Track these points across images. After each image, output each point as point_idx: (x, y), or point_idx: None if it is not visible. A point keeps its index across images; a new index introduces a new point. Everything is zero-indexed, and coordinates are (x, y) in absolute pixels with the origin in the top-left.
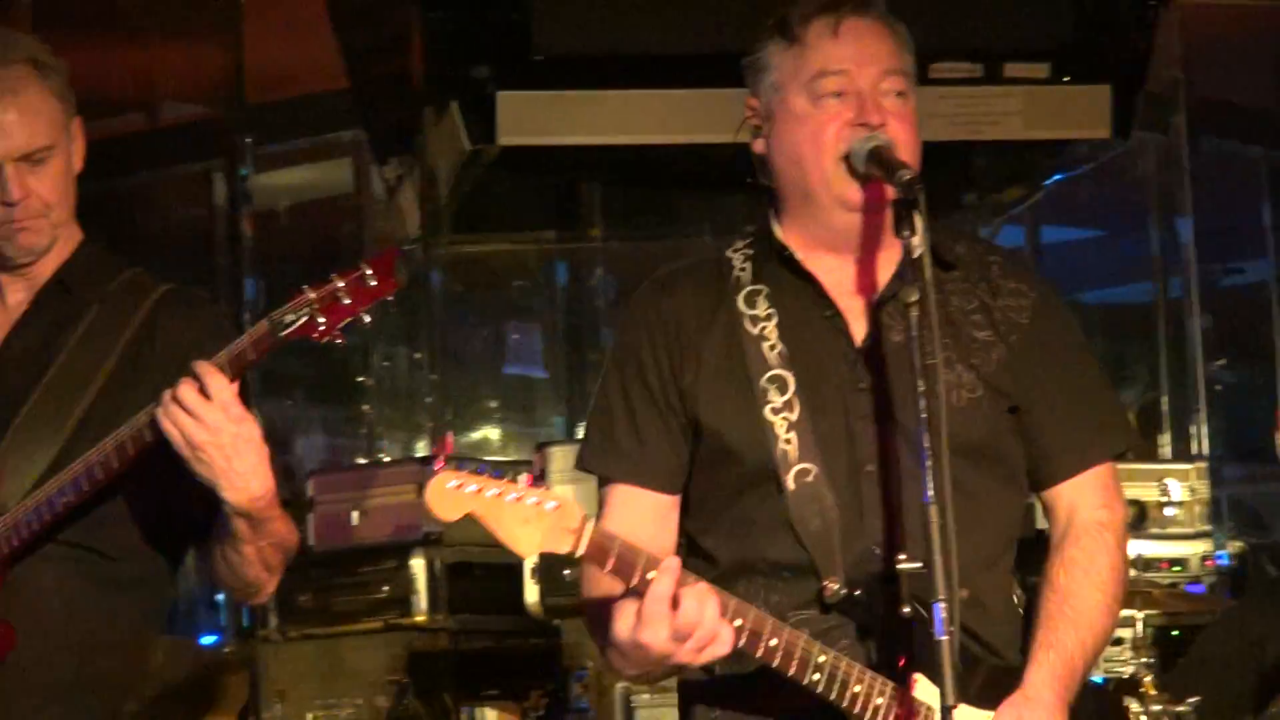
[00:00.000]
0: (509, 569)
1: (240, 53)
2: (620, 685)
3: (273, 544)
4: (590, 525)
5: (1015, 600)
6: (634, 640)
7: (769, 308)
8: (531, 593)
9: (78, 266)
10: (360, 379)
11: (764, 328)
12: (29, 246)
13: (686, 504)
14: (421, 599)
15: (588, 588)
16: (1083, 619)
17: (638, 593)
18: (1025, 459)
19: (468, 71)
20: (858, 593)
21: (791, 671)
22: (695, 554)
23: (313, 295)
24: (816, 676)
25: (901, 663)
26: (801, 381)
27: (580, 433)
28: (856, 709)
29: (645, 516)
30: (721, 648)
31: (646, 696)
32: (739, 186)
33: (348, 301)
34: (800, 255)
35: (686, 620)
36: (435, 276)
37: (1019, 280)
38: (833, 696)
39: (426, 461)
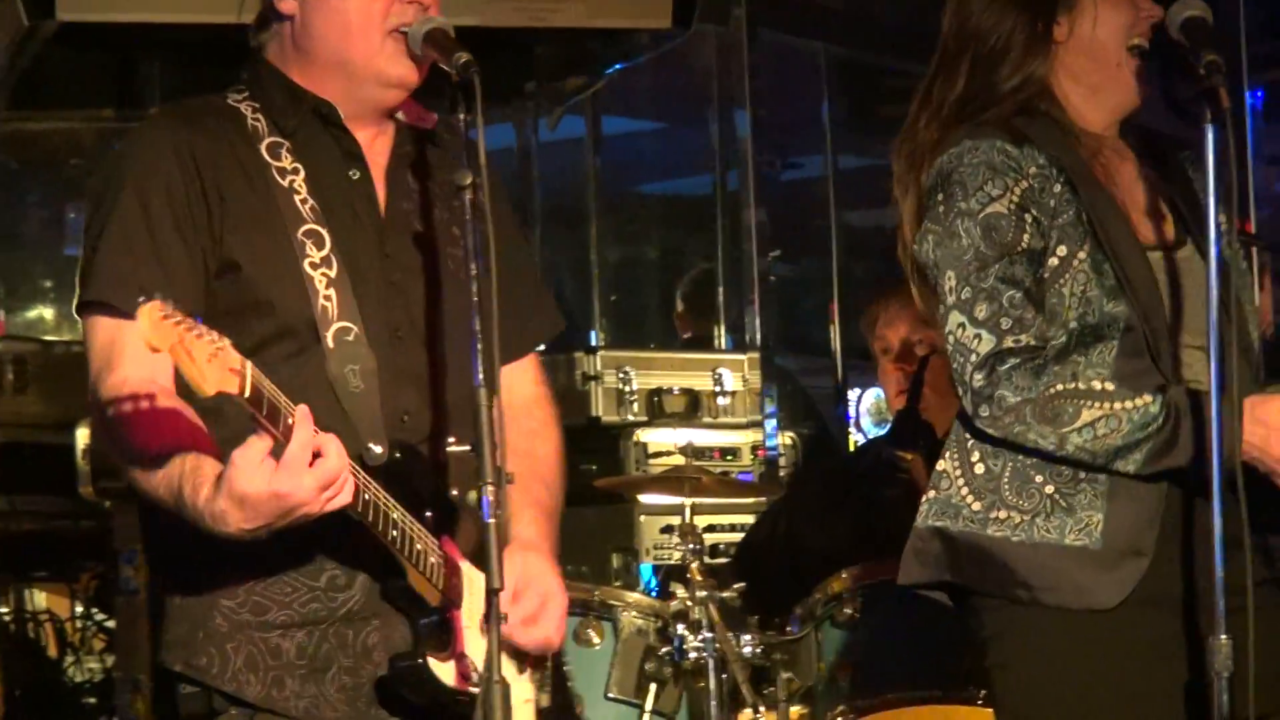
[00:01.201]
0: (59, 449)
1: None
2: None
3: None
4: (250, 368)
5: None
6: (270, 490)
7: (294, 161)
8: (83, 474)
9: None
10: None
11: (293, 180)
12: None
13: None
14: None
15: (146, 450)
16: (551, 477)
17: (279, 441)
18: None
19: None
20: (398, 456)
21: (379, 525)
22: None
23: None
24: (395, 533)
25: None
26: (336, 240)
27: None
28: (419, 565)
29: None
30: (346, 496)
31: None
32: None
33: None
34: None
35: (329, 469)
36: None
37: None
38: (405, 552)
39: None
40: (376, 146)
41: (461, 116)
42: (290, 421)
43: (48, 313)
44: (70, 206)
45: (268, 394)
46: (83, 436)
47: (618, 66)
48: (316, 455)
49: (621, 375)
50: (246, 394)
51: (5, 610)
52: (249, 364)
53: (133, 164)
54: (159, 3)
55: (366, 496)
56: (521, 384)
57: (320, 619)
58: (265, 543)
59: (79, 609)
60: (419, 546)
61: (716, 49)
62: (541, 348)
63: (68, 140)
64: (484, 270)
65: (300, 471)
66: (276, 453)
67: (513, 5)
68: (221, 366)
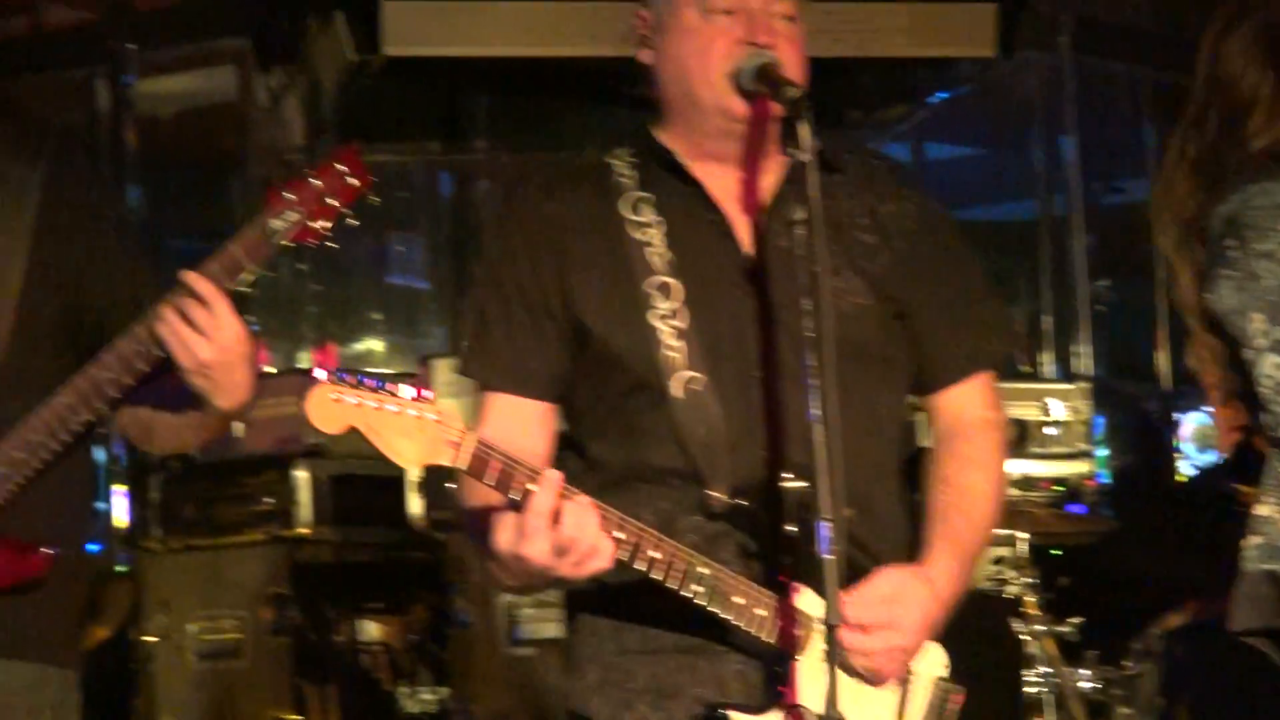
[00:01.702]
0: (393, 482)
1: None
2: (504, 598)
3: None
4: (470, 438)
5: (903, 509)
6: (514, 553)
7: (654, 214)
8: (415, 505)
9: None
10: (242, 289)
11: (650, 233)
12: None
13: (574, 410)
14: (304, 510)
15: (467, 498)
16: (976, 512)
17: (518, 505)
18: (911, 364)
19: None
20: (744, 503)
21: (672, 584)
22: (583, 460)
23: (294, 197)
24: (697, 589)
25: (782, 578)
26: (689, 288)
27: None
28: (737, 619)
29: (522, 424)
30: (601, 561)
31: (530, 610)
32: (623, 99)
33: (333, 201)
34: (685, 163)
35: (567, 534)
36: None
37: (904, 186)
38: (713, 608)
39: (309, 373)
40: (751, 186)
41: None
42: (530, 488)
43: (377, 345)
44: (395, 238)
45: (497, 463)
46: (415, 470)
47: (941, 95)
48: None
49: None
50: (465, 465)
51: (340, 640)
52: (471, 434)
53: (491, 250)
54: (485, 36)
55: (657, 555)
56: (968, 407)
57: (682, 648)
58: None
59: (411, 640)
60: (738, 600)
61: (1039, 75)
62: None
63: (395, 173)
64: (816, 304)
65: (538, 537)
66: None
67: (833, 35)
68: (434, 439)
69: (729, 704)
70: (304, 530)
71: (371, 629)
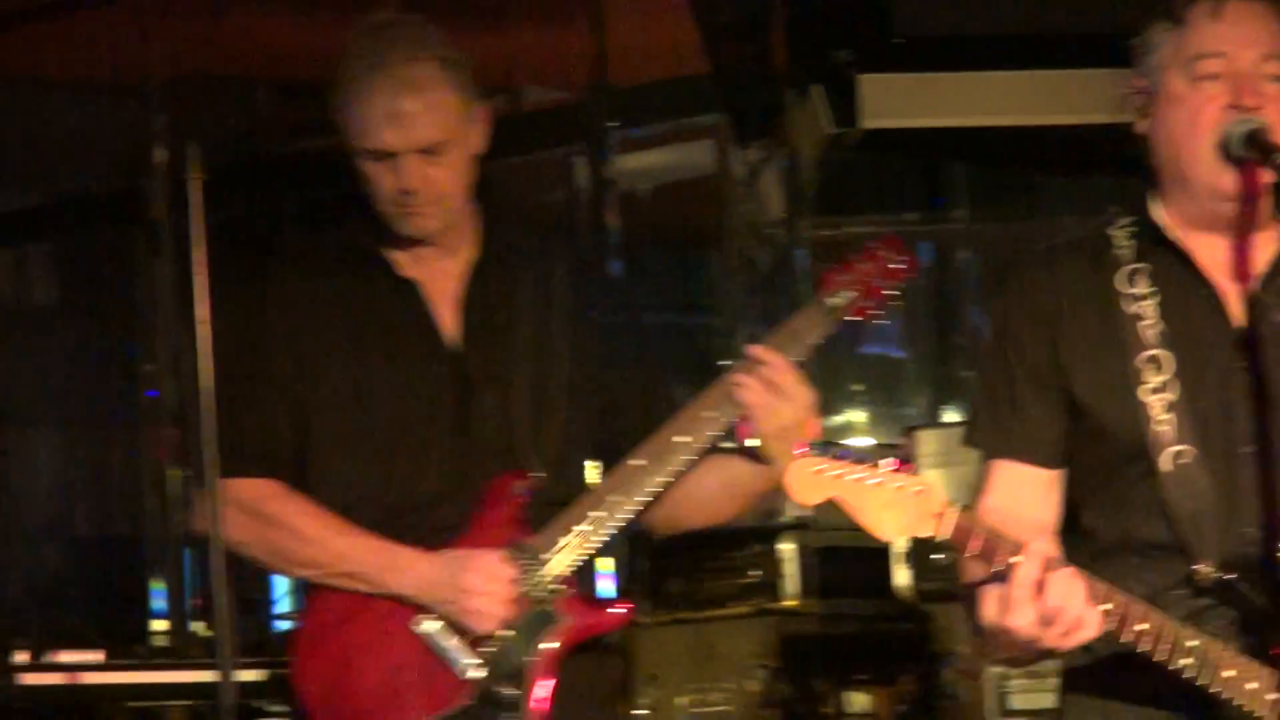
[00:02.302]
0: (878, 553)
1: (602, 36)
2: (993, 670)
3: None
4: (953, 510)
5: None
6: (1000, 625)
7: (1149, 287)
8: (902, 576)
9: (502, 238)
10: (724, 361)
11: (1143, 306)
12: (421, 229)
13: (1070, 478)
14: (791, 583)
15: (964, 571)
16: None
17: (1002, 577)
18: None
19: (829, 55)
20: (1231, 577)
21: (1160, 655)
22: (1075, 529)
23: (847, 278)
24: (1187, 661)
25: (1276, 650)
26: (1181, 361)
27: (945, 415)
28: (1228, 693)
29: (1025, 491)
30: (1088, 632)
31: (1022, 681)
32: (1105, 167)
33: (882, 282)
34: (1178, 234)
35: (1053, 604)
36: (799, 258)
37: None
38: (1203, 681)
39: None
40: (1243, 255)
41: None
42: (1014, 560)
43: (858, 416)
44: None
45: (982, 535)
46: (901, 540)
47: None
48: None
49: None
50: (946, 536)
51: (828, 712)
52: (954, 507)
53: (994, 322)
54: (962, 106)
55: (1142, 627)
56: None
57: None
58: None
59: (899, 711)
60: (1228, 673)
61: None
62: None
63: None
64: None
65: (1023, 608)
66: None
67: None
68: (919, 510)
69: None
70: (790, 602)
71: (859, 700)
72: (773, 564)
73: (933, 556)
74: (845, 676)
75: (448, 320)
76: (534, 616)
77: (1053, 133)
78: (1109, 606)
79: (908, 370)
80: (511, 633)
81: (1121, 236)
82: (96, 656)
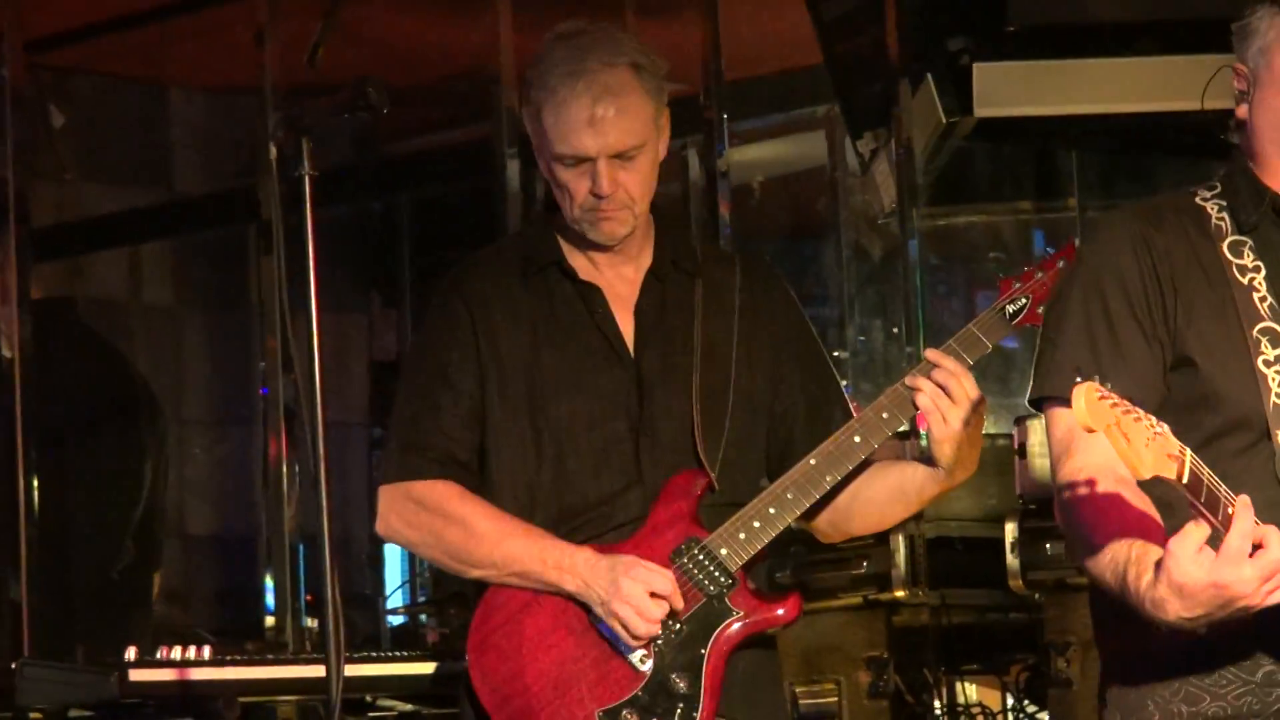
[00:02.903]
0: (989, 543)
1: (715, 29)
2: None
3: None
4: (1189, 455)
5: None
6: (1210, 580)
7: (1255, 259)
8: (1013, 568)
9: (673, 248)
10: (836, 353)
11: (1253, 278)
12: (611, 234)
13: None
14: (901, 574)
15: (1094, 525)
16: None
17: (1214, 530)
18: None
19: (943, 44)
20: None
21: None
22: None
23: (1022, 285)
24: None
25: None
26: None
27: None
28: None
29: None
30: None
31: None
32: (1216, 152)
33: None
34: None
35: (1270, 560)
36: (912, 248)
37: None
38: None
39: (905, 436)
40: None
41: None
42: (1230, 511)
43: None
44: (980, 296)
45: (1206, 482)
46: (1011, 530)
47: None
48: (1257, 547)
49: None
50: (1184, 480)
51: (938, 705)
52: (1188, 451)
53: (1091, 259)
54: (1075, 94)
55: None
56: None
57: (1252, 713)
58: (1205, 634)
59: (1010, 701)
60: None
61: None
62: None
63: (987, 233)
64: None
65: (1240, 562)
66: (1214, 542)
67: None
68: (1160, 451)
69: None
70: (901, 593)
71: (970, 691)
72: (883, 555)
73: (1047, 546)
74: (956, 667)
75: (624, 324)
76: (707, 609)
77: (1165, 120)
78: None
79: (1018, 360)
80: (683, 625)
81: (1212, 208)
82: (205, 652)
